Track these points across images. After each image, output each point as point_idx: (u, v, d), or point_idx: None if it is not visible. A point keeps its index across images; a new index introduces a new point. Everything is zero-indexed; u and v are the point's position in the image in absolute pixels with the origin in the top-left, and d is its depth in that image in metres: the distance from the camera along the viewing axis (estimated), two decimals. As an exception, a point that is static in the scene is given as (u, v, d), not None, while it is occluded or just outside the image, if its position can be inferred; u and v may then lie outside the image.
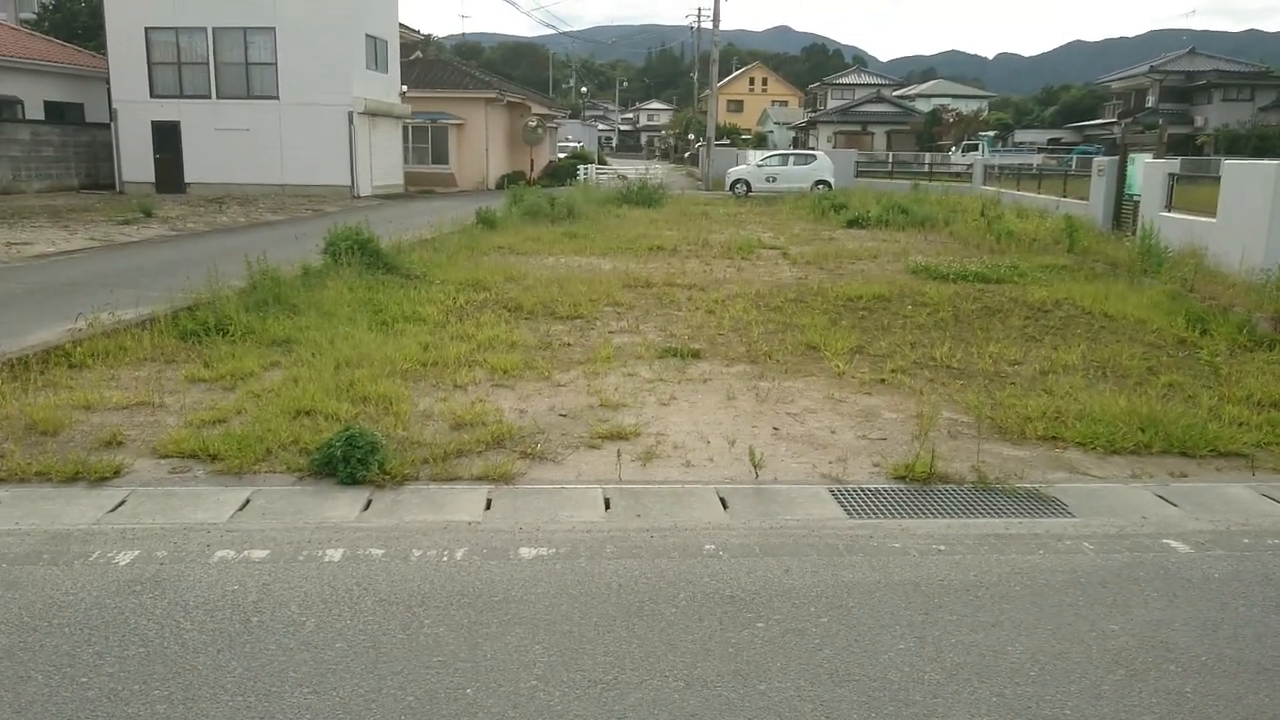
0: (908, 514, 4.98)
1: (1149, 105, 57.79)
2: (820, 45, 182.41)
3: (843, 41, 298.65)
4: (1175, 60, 58.36)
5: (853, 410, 7.05)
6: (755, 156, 39.00)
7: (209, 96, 29.25)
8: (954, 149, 57.19)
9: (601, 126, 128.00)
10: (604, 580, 4.07)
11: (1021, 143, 65.87)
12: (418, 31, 57.35)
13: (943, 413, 6.97)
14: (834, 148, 75.82)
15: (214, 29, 28.78)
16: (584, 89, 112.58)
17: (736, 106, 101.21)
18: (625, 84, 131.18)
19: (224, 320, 8.89)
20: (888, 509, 5.05)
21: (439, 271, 13.54)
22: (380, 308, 10.38)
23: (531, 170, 39.84)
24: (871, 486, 5.38)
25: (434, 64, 39.06)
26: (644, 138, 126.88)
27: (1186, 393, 7.66)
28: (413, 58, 40.69)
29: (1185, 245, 16.17)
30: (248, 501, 4.96)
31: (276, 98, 29.06)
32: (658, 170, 39.92)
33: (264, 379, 7.46)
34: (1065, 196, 23.25)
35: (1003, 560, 4.37)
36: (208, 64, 29.13)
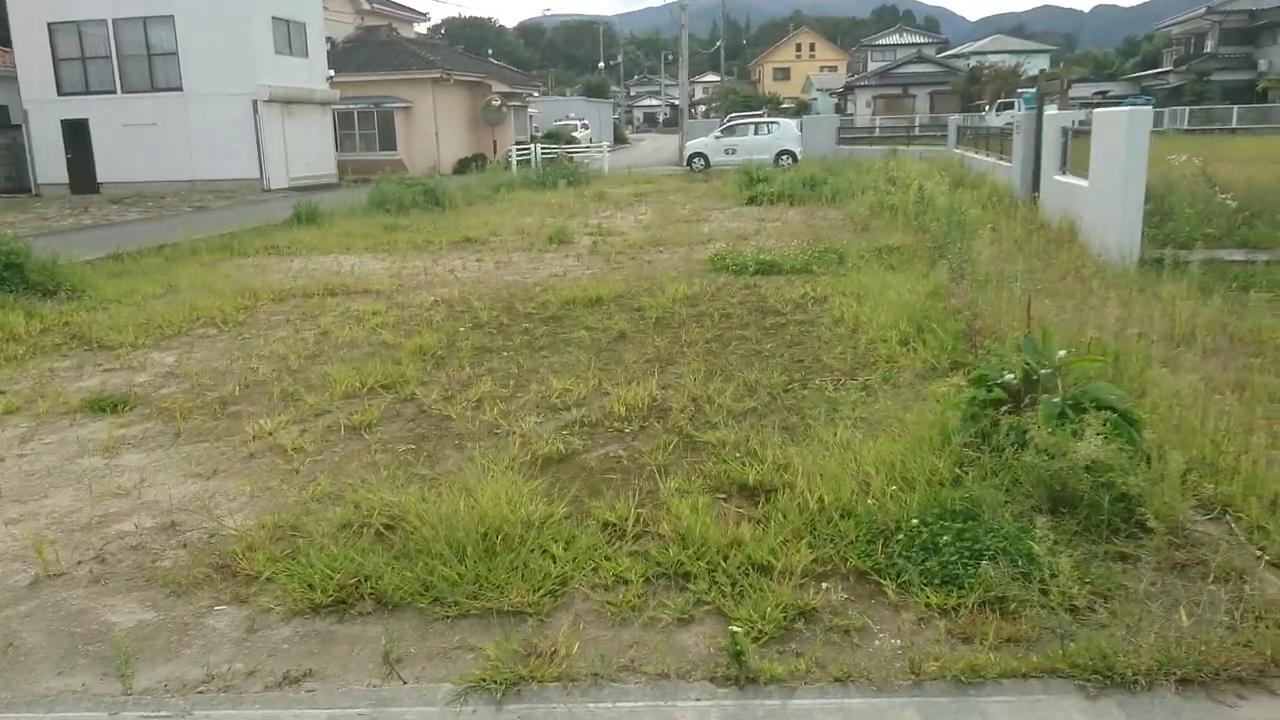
0: None
1: (1208, 50, 51.96)
2: (891, 7, 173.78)
3: (929, 3, 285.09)
4: (1236, -1, 52.19)
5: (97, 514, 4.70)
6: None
7: (114, 91, 27.89)
8: (988, 108, 52.43)
9: (654, 102, 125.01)
10: None
11: (1074, 98, 60.28)
12: (416, 11, 55.74)
13: (223, 518, 4.58)
14: (873, 113, 71.45)
15: (114, 20, 27.33)
16: (613, 62, 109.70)
17: (783, 74, 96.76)
18: (670, 58, 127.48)
19: None
20: None
21: (112, 285, 11.56)
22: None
23: (495, 151, 37.64)
24: None
25: (384, 45, 37.05)
26: (699, 111, 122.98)
27: (686, 471, 5.07)
28: (384, 40, 38.81)
29: (1065, 215, 13.07)
30: None
31: (181, 89, 27.51)
32: (603, 142, 36.89)
33: None
34: (1002, 158, 19.91)
35: None
36: (110, 57, 27.74)
